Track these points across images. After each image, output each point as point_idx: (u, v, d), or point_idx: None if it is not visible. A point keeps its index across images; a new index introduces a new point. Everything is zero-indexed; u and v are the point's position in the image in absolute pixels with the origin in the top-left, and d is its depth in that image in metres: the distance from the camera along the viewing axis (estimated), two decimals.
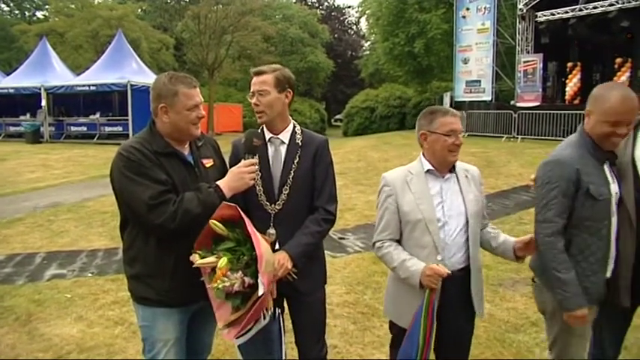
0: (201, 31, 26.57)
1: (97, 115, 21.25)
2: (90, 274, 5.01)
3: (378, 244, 2.21)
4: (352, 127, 29.68)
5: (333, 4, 50.74)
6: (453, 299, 2.14)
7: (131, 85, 19.13)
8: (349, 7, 57.46)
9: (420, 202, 2.12)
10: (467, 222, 2.15)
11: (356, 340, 3.52)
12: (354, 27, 51.64)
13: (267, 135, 2.27)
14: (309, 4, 47.32)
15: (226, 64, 28.93)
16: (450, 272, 2.00)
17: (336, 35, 46.08)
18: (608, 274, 2.20)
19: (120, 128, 20.17)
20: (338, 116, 42.88)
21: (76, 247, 5.97)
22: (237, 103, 30.83)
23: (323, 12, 47.52)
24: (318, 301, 2.34)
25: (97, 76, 20.47)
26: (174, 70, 32.17)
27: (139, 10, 36.59)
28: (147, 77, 21.05)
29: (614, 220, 2.15)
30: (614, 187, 2.15)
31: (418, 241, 2.13)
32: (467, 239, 2.16)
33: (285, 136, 2.26)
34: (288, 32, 36.53)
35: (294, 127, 2.30)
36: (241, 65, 30.16)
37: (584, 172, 2.07)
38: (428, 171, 2.18)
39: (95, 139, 20.34)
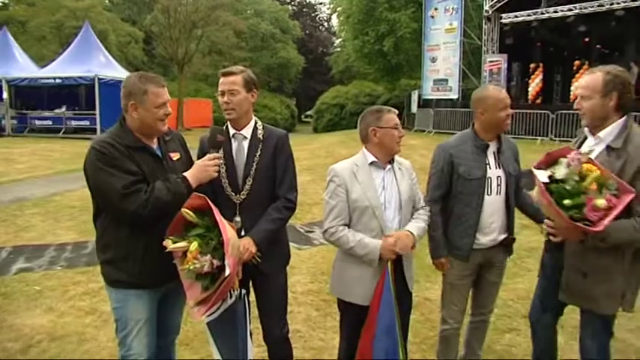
0: (171, 25, 26.23)
1: (63, 109, 20.79)
2: (59, 267, 5.04)
3: (331, 230, 2.43)
4: (322, 124, 29.90)
5: (305, 0, 50.79)
6: (395, 274, 2.42)
7: (99, 79, 18.79)
8: (321, 3, 57.56)
9: (367, 190, 2.39)
10: (400, 207, 2.45)
11: (318, 325, 3.74)
12: (326, 24, 51.91)
13: (232, 131, 2.47)
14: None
15: (196, 59, 28.65)
16: None
17: (307, 31, 46.18)
18: (486, 240, 2.67)
19: (87, 122, 19.78)
20: (308, 112, 43.04)
21: (44, 242, 5.95)
22: (207, 98, 30.56)
23: (294, 8, 47.51)
24: (280, 282, 2.56)
25: (62, 68, 19.98)
26: (143, 63, 31.80)
27: (107, 2, 35.81)
28: (115, 71, 20.70)
29: (489, 197, 2.63)
30: (493, 172, 2.65)
31: (366, 225, 2.39)
32: (399, 223, 2.46)
33: (247, 131, 2.47)
34: (259, 28, 36.44)
35: (256, 123, 2.51)
36: (211, 60, 29.94)
37: (456, 155, 2.66)
38: (371, 163, 2.46)
39: (61, 133, 19.91)
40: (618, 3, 14.82)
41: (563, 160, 2.13)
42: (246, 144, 2.45)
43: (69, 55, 21.10)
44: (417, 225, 2.48)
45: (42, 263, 5.17)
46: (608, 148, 2.24)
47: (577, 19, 15.80)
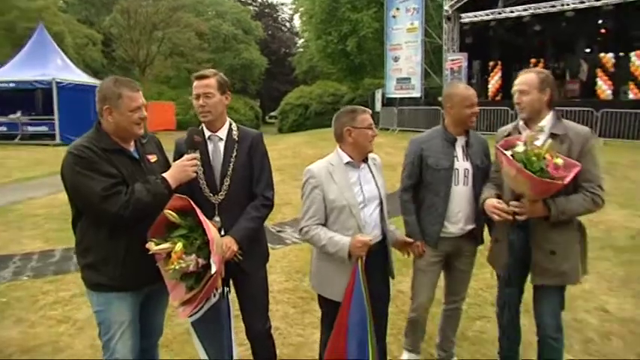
0: (131, 27, 25.74)
1: (19, 114, 19.94)
2: (26, 277, 4.90)
3: (305, 229, 2.50)
4: (287, 124, 29.85)
5: (266, 1, 50.62)
6: (374, 267, 2.51)
7: (57, 83, 18.18)
8: (282, 4, 57.49)
9: (344, 190, 2.46)
10: (381, 202, 2.57)
11: (296, 322, 3.80)
12: (288, 24, 51.86)
13: (207, 133, 2.51)
14: (242, 0, 46.95)
15: (158, 61, 28.21)
16: (371, 238, 2.41)
17: (269, 32, 46.03)
18: (454, 229, 2.85)
19: (45, 128, 19.02)
20: (272, 113, 42.89)
21: (8, 252, 5.75)
22: (170, 101, 29.99)
23: (256, 9, 47.30)
24: (260, 279, 2.62)
25: (16, 72, 19.13)
26: (103, 66, 30.99)
27: (61, 3, 34.61)
28: (73, 74, 20.08)
29: (457, 187, 2.82)
30: (461, 164, 2.83)
31: (344, 224, 2.46)
32: (382, 217, 2.57)
33: (222, 133, 2.51)
34: (221, 29, 36.12)
35: (230, 124, 2.56)
36: (173, 62, 29.49)
37: (426, 148, 2.87)
38: (347, 163, 2.53)
39: (17, 139, 19.12)
40: (568, 4, 15.53)
41: (520, 143, 2.36)
42: (222, 145, 2.49)
43: (23, 57, 20.22)
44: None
45: (6, 274, 5.00)
46: (552, 135, 2.50)
47: (532, 19, 16.45)
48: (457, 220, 2.85)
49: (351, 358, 2.35)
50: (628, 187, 8.60)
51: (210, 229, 2.05)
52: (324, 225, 2.51)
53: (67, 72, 20.03)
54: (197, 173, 2.36)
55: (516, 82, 2.62)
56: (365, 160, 2.60)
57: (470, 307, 3.88)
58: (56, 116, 18.39)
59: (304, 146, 15.20)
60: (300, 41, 46.40)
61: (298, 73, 40.61)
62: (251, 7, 45.34)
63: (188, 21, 27.90)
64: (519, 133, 2.65)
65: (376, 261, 2.54)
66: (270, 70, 41.96)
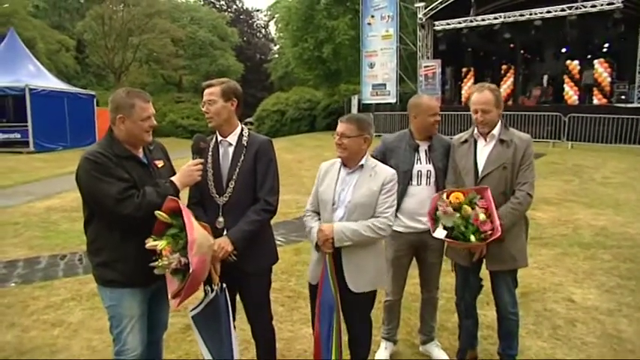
0: (106, 33, 25.44)
1: None
2: (13, 284, 4.93)
3: (305, 212, 2.81)
4: (263, 131, 29.91)
5: (242, 8, 50.72)
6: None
7: (30, 89, 17.92)
8: (258, 10, 57.27)
9: (328, 187, 2.69)
10: (346, 208, 2.61)
11: (286, 319, 3.97)
12: (263, 30, 52.01)
13: (219, 138, 2.68)
14: (218, 6, 46.91)
15: (134, 68, 27.92)
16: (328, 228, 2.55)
17: (245, 38, 46.10)
18: (418, 225, 3.12)
19: (18, 135, 18.72)
20: (248, 120, 42.89)
21: None
22: None
23: (231, 15, 47.33)
24: (264, 281, 2.77)
25: None
26: (77, 73, 30.53)
27: (31, 8, 33.94)
28: (47, 81, 19.85)
29: (419, 187, 3.15)
30: (424, 166, 3.16)
31: (324, 217, 2.69)
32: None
33: (232, 138, 2.66)
34: (197, 35, 36.04)
35: (242, 130, 2.70)
36: (149, 69, 29.26)
37: (389, 149, 3.24)
38: (343, 164, 2.73)
39: None
40: (536, 13, 16.23)
41: (439, 213, 2.73)
42: (231, 150, 2.64)
43: None
44: (351, 225, 2.54)
45: None
46: (501, 141, 2.91)
47: (502, 27, 17.07)
48: (419, 215, 3.09)
49: (323, 340, 2.60)
50: (594, 189, 9.06)
51: (195, 230, 2.18)
52: (318, 212, 2.76)
53: (41, 78, 19.80)
54: (206, 176, 2.55)
55: (475, 101, 2.92)
56: (362, 166, 2.66)
57: (447, 301, 4.11)
58: (30, 123, 18.14)
59: (283, 152, 15.38)
60: (276, 47, 46.57)
61: (274, 79, 40.72)
62: (227, 14, 45.33)
63: (164, 27, 27.74)
64: (475, 141, 3.00)
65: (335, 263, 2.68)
66: (246, 76, 41.99)
